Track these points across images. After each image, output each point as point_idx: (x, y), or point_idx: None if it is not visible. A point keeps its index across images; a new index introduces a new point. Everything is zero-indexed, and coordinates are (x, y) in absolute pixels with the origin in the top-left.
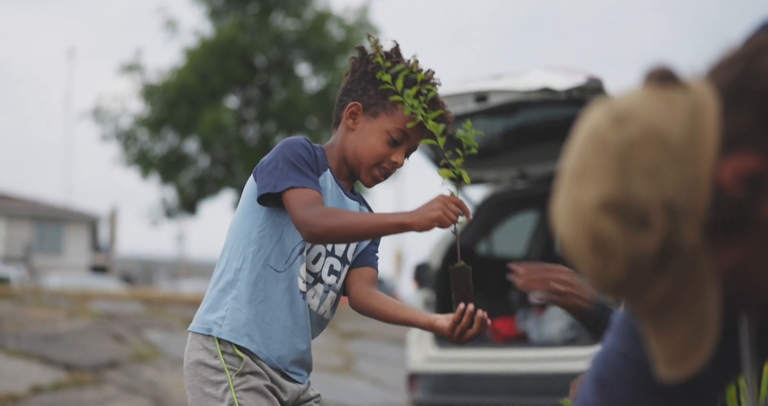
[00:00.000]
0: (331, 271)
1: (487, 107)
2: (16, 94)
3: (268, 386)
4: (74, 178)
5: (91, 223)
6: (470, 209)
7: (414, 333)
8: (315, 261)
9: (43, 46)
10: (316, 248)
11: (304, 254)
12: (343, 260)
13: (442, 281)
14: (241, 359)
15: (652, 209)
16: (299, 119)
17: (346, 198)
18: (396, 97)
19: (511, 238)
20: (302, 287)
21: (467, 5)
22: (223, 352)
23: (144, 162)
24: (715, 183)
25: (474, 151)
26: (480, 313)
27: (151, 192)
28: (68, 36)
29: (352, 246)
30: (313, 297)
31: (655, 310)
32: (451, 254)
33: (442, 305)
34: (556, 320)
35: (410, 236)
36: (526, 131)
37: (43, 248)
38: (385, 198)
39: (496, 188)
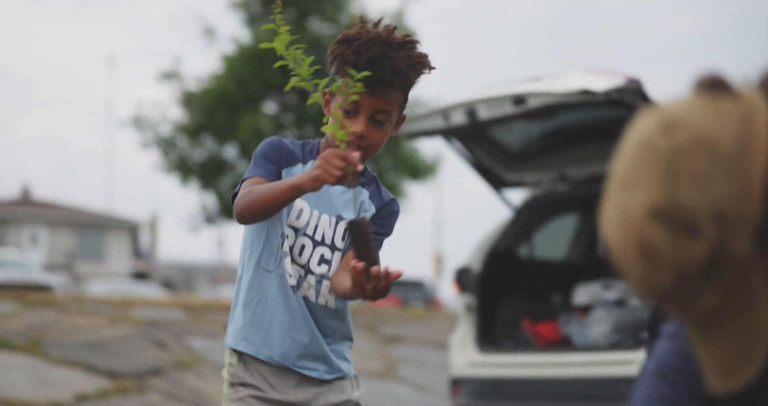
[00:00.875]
0: (322, 260)
1: (526, 110)
2: (57, 100)
3: (256, 397)
4: (115, 185)
5: (131, 229)
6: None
7: (456, 337)
8: (300, 253)
9: (83, 52)
10: (300, 240)
11: (286, 248)
12: (332, 247)
13: (484, 285)
14: (239, 368)
15: (701, 217)
16: None
17: (331, 187)
18: (279, 62)
19: (551, 241)
20: (291, 281)
21: (501, 5)
22: (230, 364)
23: (184, 168)
24: (766, 192)
25: (355, 98)
26: (375, 268)
27: (191, 198)
28: (108, 43)
29: (338, 233)
30: (308, 289)
31: (704, 320)
32: (492, 259)
33: (485, 310)
34: (600, 324)
35: (449, 238)
36: (565, 133)
37: (86, 255)
38: (424, 201)
39: (535, 191)
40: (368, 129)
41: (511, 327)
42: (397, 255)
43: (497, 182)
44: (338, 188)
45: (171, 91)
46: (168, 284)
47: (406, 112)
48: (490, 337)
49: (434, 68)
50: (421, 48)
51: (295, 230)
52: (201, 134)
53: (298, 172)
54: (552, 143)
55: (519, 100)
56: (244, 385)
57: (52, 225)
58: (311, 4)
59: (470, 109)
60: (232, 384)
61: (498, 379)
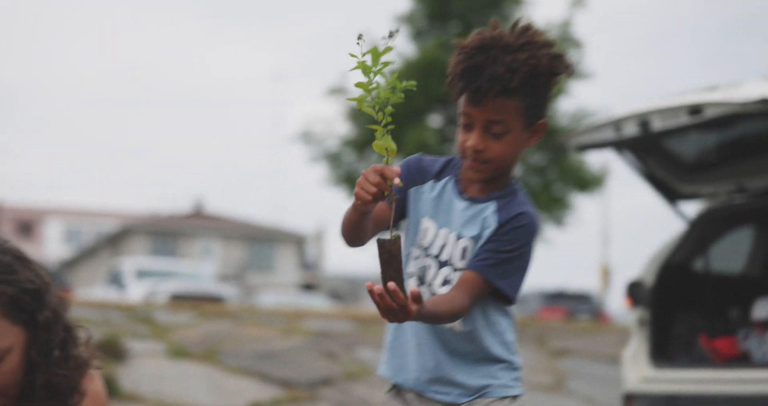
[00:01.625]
0: (445, 282)
1: (702, 120)
2: (228, 117)
3: None
4: (283, 199)
5: (298, 242)
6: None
7: (629, 352)
8: (423, 274)
9: (251, 69)
10: (425, 260)
11: (412, 269)
12: (454, 267)
13: (658, 299)
14: (389, 394)
15: None
16: None
17: (455, 201)
18: (359, 84)
19: (729, 254)
20: None
21: (671, 11)
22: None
23: (350, 182)
24: None
25: (390, 109)
26: (378, 287)
27: None
28: (275, 59)
29: (457, 251)
30: None
31: None
32: (666, 272)
33: (658, 324)
34: None
35: (616, 250)
36: (743, 144)
37: (255, 267)
38: (591, 213)
39: (712, 203)
40: (485, 142)
41: (686, 342)
42: (564, 267)
43: (671, 194)
44: (460, 205)
45: (338, 106)
46: (335, 295)
47: (574, 123)
48: (664, 352)
49: (565, 68)
50: (549, 49)
51: (423, 249)
52: (367, 148)
53: (427, 190)
54: (729, 154)
55: (695, 110)
56: None
57: (224, 238)
58: (476, 17)
59: (643, 120)
60: None
61: (673, 395)
